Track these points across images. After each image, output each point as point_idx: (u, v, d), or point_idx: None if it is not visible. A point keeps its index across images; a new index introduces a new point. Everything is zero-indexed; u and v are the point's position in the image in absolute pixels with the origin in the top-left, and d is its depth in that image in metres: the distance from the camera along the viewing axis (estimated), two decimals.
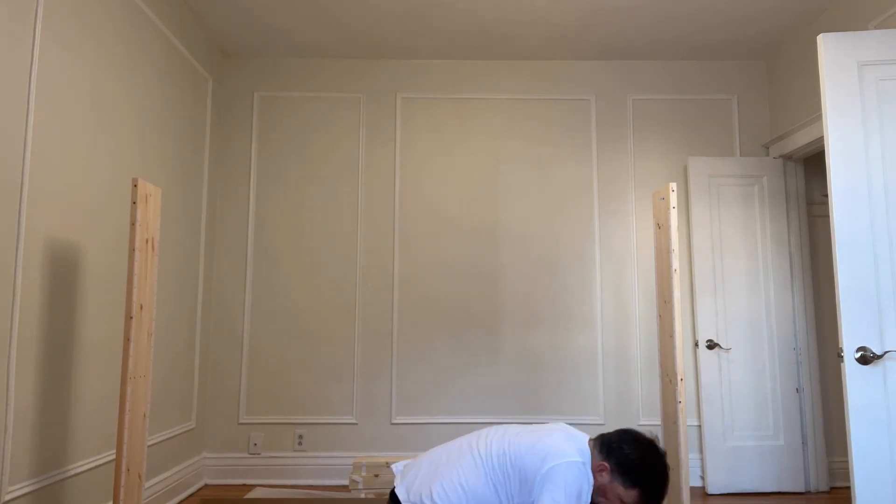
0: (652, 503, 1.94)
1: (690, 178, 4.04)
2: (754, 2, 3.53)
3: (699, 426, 3.96)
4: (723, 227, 4.00)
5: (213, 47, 4.07)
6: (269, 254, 4.13)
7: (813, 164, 4.14)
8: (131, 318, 2.45)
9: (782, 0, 3.51)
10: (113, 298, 2.88)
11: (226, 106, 4.23)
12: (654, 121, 4.26)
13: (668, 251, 2.71)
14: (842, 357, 2.26)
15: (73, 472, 2.57)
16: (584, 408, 4.03)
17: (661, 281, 2.90)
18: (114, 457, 2.84)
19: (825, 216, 4.14)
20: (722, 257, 3.98)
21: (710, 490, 3.80)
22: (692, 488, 3.90)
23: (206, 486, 3.92)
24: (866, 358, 2.22)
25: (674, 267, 2.68)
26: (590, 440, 2.05)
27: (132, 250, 2.46)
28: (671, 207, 2.70)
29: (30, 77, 2.29)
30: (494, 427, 2.15)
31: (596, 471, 1.97)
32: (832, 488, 3.89)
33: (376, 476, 3.39)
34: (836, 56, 2.38)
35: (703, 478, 3.92)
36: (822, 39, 2.40)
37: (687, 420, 4.00)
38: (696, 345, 3.95)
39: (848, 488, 3.90)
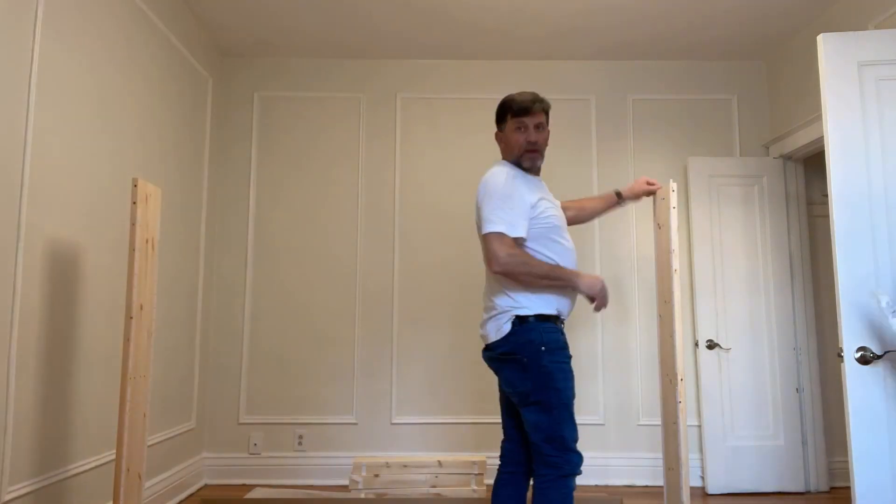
0: (521, 113, 2.24)
1: (690, 178, 4.04)
2: (754, 2, 3.53)
3: (699, 426, 3.96)
4: (723, 227, 4.00)
5: (213, 47, 4.07)
6: (269, 254, 4.13)
7: (813, 164, 4.14)
8: (131, 318, 2.45)
9: (782, 0, 3.51)
10: (113, 298, 2.88)
11: (226, 106, 4.23)
12: (654, 121, 4.26)
13: (669, 251, 2.71)
14: (842, 357, 2.26)
15: (73, 472, 2.57)
16: (583, 407, 4.03)
17: (662, 281, 2.90)
18: (114, 457, 2.84)
19: (825, 216, 4.13)
20: (722, 257, 3.98)
21: (710, 490, 3.80)
22: (692, 488, 3.90)
23: (206, 486, 3.92)
24: (866, 358, 2.22)
25: (674, 267, 2.68)
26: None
27: (132, 250, 2.46)
28: (671, 207, 2.70)
29: (30, 77, 2.29)
30: None
31: (503, 150, 2.33)
32: (832, 488, 3.89)
33: (376, 476, 3.39)
34: (835, 56, 2.38)
35: (703, 478, 3.92)
36: (822, 39, 2.39)
37: (687, 420, 4.00)
38: (696, 345, 3.95)
39: (848, 488, 3.89)
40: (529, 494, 2.25)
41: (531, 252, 2.17)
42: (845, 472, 3.90)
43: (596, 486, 3.94)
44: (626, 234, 4.17)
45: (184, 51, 3.61)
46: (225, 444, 4.00)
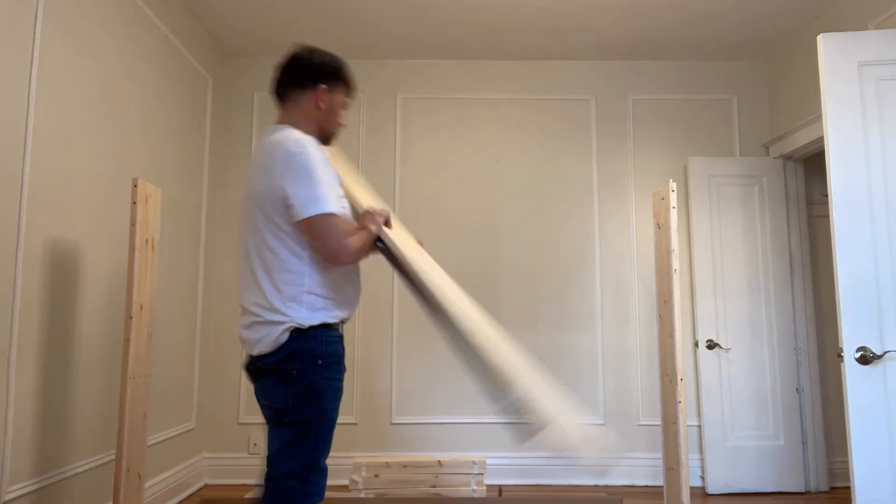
0: (352, 93, 2.01)
1: (690, 178, 4.04)
2: (754, 2, 3.53)
3: (699, 426, 3.96)
4: (723, 227, 4.00)
5: (213, 47, 4.07)
6: None
7: (813, 164, 4.14)
8: (131, 318, 2.45)
9: (782, 0, 3.51)
10: (113, 298, 2.88)
11: (226, 106, 4.23)
12: (654, 121, 4.26)
13: (668, 251, 2.71)
14: (842, 357, 2.26)
15: (73, 472, 2.57)
16: (584, 407, 4.03)
17: (661, 281, 2.91)
18: (114, 457, 2.84)
19: (825, 216, 4.13)
20: (722, 257, 3.98)
21: (710, 490, 3.80)
22: (692, 488, 3.90)
23: (205, 486, 3.92)
24: (866, 358, 2.22)
25: (674, 267, 2.68)
26: None
27: (132, 250, 2.46)
28: (671, 207, 2.70)
29: (30, 77, 2.29)
30: None
31: (310, 111, 1.95)
32: (832, 488, 3.88)
33: (376, 476, 3.39)
34: (835, 56, 2.38)
35: (703, 478, 3.92)
36: (822, 39, 2.39)
37: (687, 420, 4.00)
38: (696, 345, 3.95)
39: (848, 488, 3.90)
40: None
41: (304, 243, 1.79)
42: (845, 472, 3.90)
43: (596, 486, 3.94)
44: (626, 233, 4.17)
45: (184, 51, 3.61)
46: (225, 444, 4.00)
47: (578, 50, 4.15)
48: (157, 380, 3.29)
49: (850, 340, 2.25)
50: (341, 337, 1.88)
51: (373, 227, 1.86)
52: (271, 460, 1.80)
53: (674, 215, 2.71)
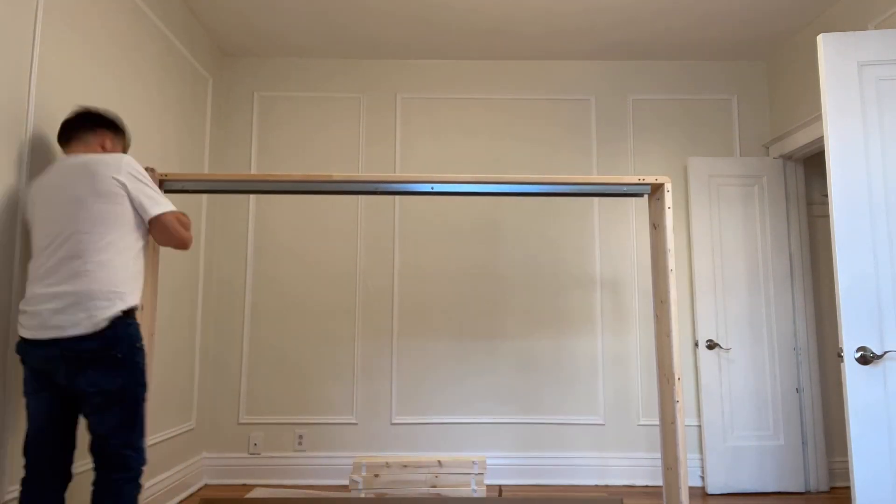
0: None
1: (690, 178, 4.04)
2: (754, 2, 3.53)
3: (699, 426, 3.96)
4: (723, 227, 4.00)
5: (213, 47, 4.07)
6: (269, 253, 4.13)
7: (813, 164, 4.14)
8: None
9: (782, 0, 3.51)
10: None
11: (226, 106, 4.23)
12: (654, 121, 4.26)
13: (665, 251, 2.71)
14: (842, 357, 2.26)
15: (72, 472, 2.57)
16: (583, 407, 4.03)
17: (658, 281, 2.90)
18: None
19: (825, 216, 4.14)
20: (722, 257, 3.98)
21: (710, 490, 3.80)
22: (692, 488, 3.90)
23: (206, 486, 3.92)
24: (866, 358, 2.22)
25: (670, 267, 2.68)
26: None
27: None
28: (667, 207, 2.70)
29: (30, 77, 2.29)
30: None
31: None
32: (832, 488, 3.89)
33: (376, 476, 3.39)
34: (835, 56, 2.38)
35: (702, 478, 3.92)
36: (822, 39, 2.40)
37: (687, 420, 4.01)
38: (696, 345, 3.95)
39: (848, 488, 3.90)
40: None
41: (131, 238, 2.11)
42: (845, 472, 3.90)
43: (596, 486, 3.94)
44: (626, 234, 4.17)
45: (184, 51, 3.61)
46: (225, 444, 4.00)
47: (578, 50, 4.15)
48: (157, 380, 3.30)
49: (850, 340, 2.25)
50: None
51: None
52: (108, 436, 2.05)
53: (669, 215, 2.71)
